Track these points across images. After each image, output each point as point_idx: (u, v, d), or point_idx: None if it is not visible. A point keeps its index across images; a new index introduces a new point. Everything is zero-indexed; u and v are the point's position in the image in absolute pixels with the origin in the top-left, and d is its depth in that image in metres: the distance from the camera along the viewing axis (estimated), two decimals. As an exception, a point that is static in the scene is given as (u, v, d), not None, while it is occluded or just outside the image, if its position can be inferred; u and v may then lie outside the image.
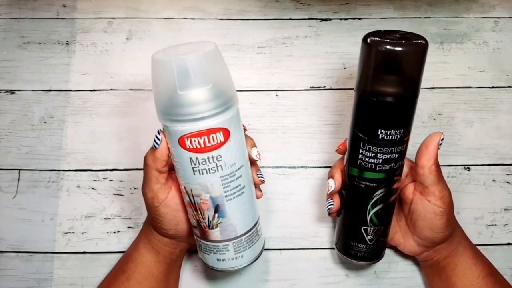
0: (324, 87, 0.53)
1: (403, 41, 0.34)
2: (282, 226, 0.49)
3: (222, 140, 0.35)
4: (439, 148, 0.38)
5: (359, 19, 0.55)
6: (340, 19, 0.55)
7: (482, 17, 0.56)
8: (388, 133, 0.36)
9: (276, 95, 0.52)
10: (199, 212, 0.37)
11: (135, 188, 0.49)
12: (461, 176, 0.50)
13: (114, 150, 0.50)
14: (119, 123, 0.51)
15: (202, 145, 0.34)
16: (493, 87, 0.53)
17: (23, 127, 0.51)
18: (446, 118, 0.52)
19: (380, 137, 0.36)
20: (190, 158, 0.35)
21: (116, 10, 0.55)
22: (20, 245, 0.48)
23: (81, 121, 0.51)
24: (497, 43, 0.54)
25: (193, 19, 0.55)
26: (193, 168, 0.35)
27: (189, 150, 0.34)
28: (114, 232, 0.48)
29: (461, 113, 0.52)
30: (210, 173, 0.35)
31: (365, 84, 0.36)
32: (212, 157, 0.35)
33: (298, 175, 0.50)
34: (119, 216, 0.49)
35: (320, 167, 0.50)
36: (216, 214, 0.37)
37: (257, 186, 0.41)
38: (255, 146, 0.40)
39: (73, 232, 0.48)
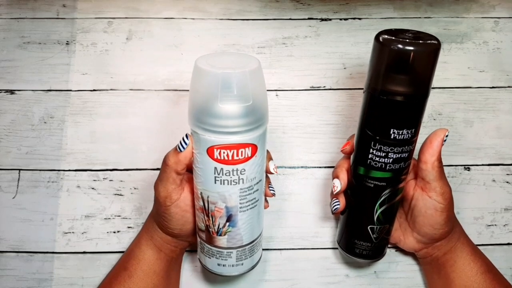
0: (324, 87, 0.53)
1: (416, 41, 0.34)
2: (282, 226, 0.49)
3: (249, 155, 0.35)
4: (443, 145, 0.38)
5: (359, 19, 0.55)
6: (340, 19, 0.55)
7: (482, 17, 0.56)
8: (400, 133, 0.36)
9: (276, 95, 0.52)
10: (211, 219, 0.37)
11: (135, 188, 0.49)
12: (461, 176, 0.50)
13: (114, 150, 0.50)
14: (119, 123, 0.51)
15: (230, 158, 0.35)
16: (493, 87, 0.53)
17: (23, 127, 0.51)
18: (446, 118, 0.52)
19: (392, 137, 0.36)
20: (215, 168, 0.35)
21: (116, 10, 0.55)
22: (20, 245, 0.48)
23: (81, 121, 0.51)
24: (497, 43, 0.54)
25: (193, 19, 0.55)
26: (215, 177, 0.35)
27: (216, 160, 0.35)
28: (114, 232, 0.48)
29: (461, 113, 0.52)
30: (231, 184, 0.36)
31: (376, 83, 0.36)
32: (237, 170, 0.35)
33: (298, 175, 0.50)
34: (119, 216, 0.49)
35: (320, 167, 0.50)
36: (228, 223, 0.37)
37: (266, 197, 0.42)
38: (272, 159, 0.40)
39: (73, 232, 0.48)
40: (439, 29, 0.55)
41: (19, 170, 0.50)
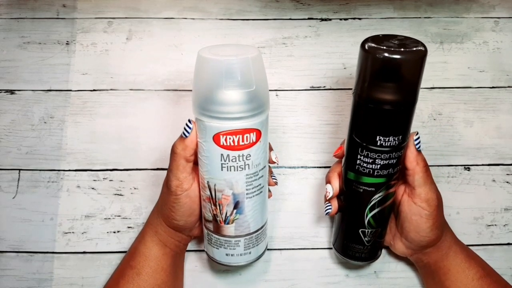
0: (324, 87, 0.53)
1: (402, 48, 0.33)
2: (282, 226, 0.49)
3: (254, 140, 0.36)
4: (418, 148, 0.38)
5: (359, 19, 0.55)
6: (340, 19, 0.55)
7: (482, 17, 0.56)
8: (387, 140, 0.36)
9: (276, 95, 0.52)
10: (218, 207, 0.38)
11: (135, 188, 0.49)
12: (461, 176, 0.50)
13: (114, 150, 0.50)
14: (119, 123, 0.51)
15: (236, 143, 0.35)
16: (493, 87, 0.53)
17: (23, 127, 0.51)
18: (446, 118, 0.52)
19: (378, 144, 0.36)
20: (222, 155, 0.36)
21: (116, 10, 0.55)
22: (20, 245, 0.48)
23: (81, 121, 0.51)
24: (497, 43, 0.54)
25: (193, 19, 0.55)
26: (222, 164, 0.36)
27: (222, 146, 0.35)
28: (114, 232, 0.48)
29: (461, 113, 0.52)
30: (237, 170, 0.36)
31: (362, 90, 0.35)
32: (243, 155, 0.36)
33: (298, 175, 0.50)
34: (119, 216, 0.49)
35: (320, 167, 0.50)
36: (235, 210, 0.38)
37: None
38: (273, 149, 0.41)
39: (73, 232, 0.48)
40: (439, 29, 0.55)
41: (19, 170, 0.50)
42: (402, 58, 0.33)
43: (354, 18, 0.55)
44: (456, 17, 0.56)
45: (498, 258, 0.47)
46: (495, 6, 0.56)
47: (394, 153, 0.37)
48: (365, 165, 0.38)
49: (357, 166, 0.38)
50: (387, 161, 0.37)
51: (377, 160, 0.37)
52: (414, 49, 0.34)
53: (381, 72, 0.34)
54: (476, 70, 0.53)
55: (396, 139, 0.36)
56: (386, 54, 0.33)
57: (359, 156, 0.38)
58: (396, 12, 0.56)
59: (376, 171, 0.37)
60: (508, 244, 0.49)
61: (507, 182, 0.50)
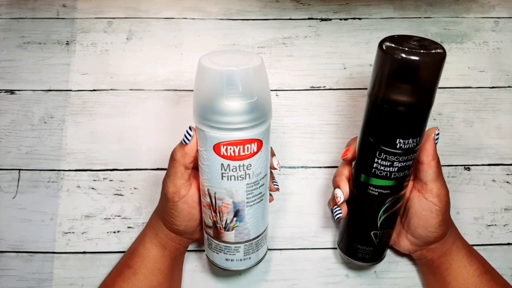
0: (324, 87, 0.53)
1: (421, 50, 0.33)
2: (282, 226, 0.49)
3: (255, 150, 0.36)
4: (436, 143, 0.38)
5: (359, 19, 0.55)
6: (340, 19, 0.55)
7: (482, 17, 0.56)
8: (406, 142, 0.35)
9: (276, 95, 0.52)
10: (218, 214, 0.38)
11: (135, 188, 0.49)
12: (461, 176, 0.50)
13: (114, 150, 0.50)
14: (119, 123, 0.51)
15: (236, 154, 0.35)
16: (493, 87, 0.53)
17: (23, 127, 0.51)
18: (446, 118, 0.52)
19: (397, 146, 0.36)
20: (222, 164, 0.35)
21: (116, 10, 0.55)
22: (20, 245, 0.48)
23: (81, 121, 0.51)
24: (497, 43, 0.54)
25: (193, 19, 0.55)
26: (222, 173, 0.36)
27: (223, 156, 0.35)
28: (114, 232, 0.48)
29: (461, 113, 0.52)
30: (238, 180, 0.36)
31: (379, 91, 0.35)
32: (243, 165, 0.36)
33: (298, 175, 0.50)
34: (119, 216, 0.49)
35: (320, 167, 0.50)
36: (235, 218, 0.38)
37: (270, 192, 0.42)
38: (275, 155, 0.41)
39: (73, 232, 0.48)
40: (439, 29, 0.55)
41: (19, 170, 0.50)
42: (422, 59, 0.32)
43: (354, 18, 0.55)
44: (456, 17, 0.56)
45: (498, 258, 0.47)
46: (495, 6, 0.56)
47: (411, 155, 0.37)
48: (382, 168, 0.37)
49: (373, 169, 0.37)
50: (404, 163, 0.37)
51: (395, 163, 0.36)
52: (434, 51, 0.33)
53: (401, 74, 0.33)
54: (476, 70, 0.53)
55: (414, 141, 0.36)
56: (405, 55, 0.32)
57: (376, 159, 0.37)
58: (396, 12, 0.56)
59: (393, 173, 0.37)
60: (508, 244, 0.49)
61: (507, 182, 0.50)
